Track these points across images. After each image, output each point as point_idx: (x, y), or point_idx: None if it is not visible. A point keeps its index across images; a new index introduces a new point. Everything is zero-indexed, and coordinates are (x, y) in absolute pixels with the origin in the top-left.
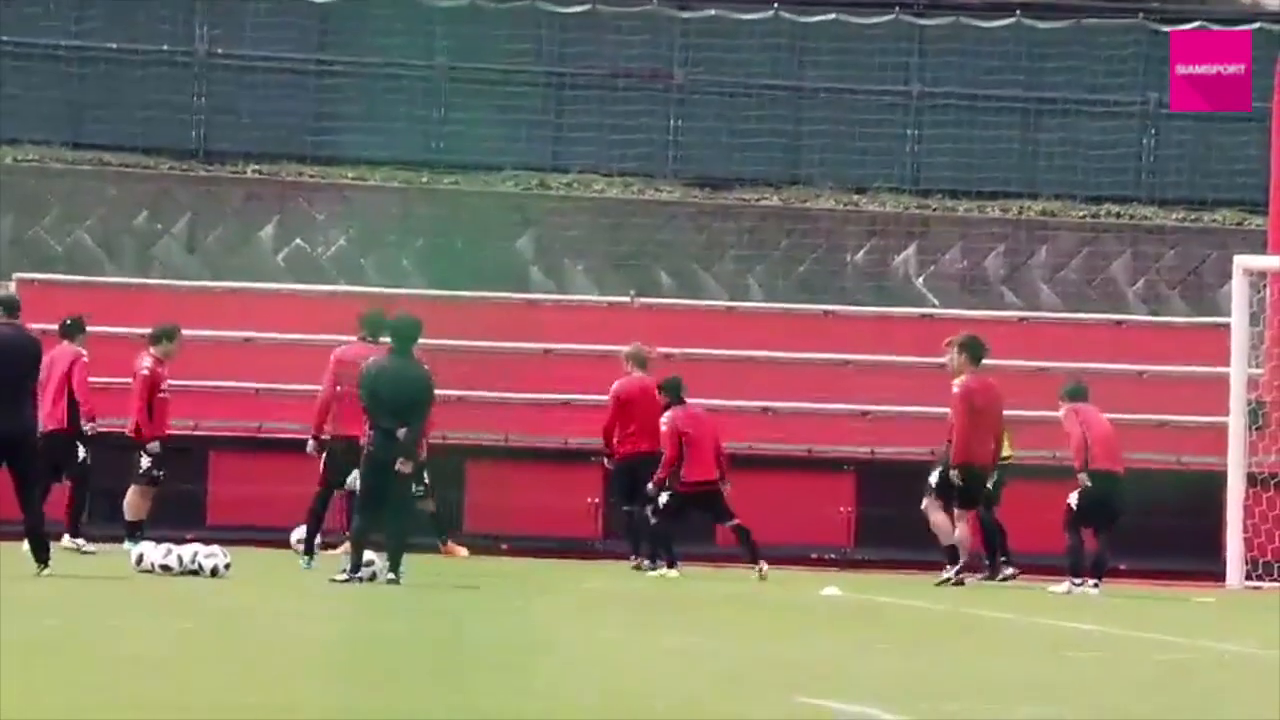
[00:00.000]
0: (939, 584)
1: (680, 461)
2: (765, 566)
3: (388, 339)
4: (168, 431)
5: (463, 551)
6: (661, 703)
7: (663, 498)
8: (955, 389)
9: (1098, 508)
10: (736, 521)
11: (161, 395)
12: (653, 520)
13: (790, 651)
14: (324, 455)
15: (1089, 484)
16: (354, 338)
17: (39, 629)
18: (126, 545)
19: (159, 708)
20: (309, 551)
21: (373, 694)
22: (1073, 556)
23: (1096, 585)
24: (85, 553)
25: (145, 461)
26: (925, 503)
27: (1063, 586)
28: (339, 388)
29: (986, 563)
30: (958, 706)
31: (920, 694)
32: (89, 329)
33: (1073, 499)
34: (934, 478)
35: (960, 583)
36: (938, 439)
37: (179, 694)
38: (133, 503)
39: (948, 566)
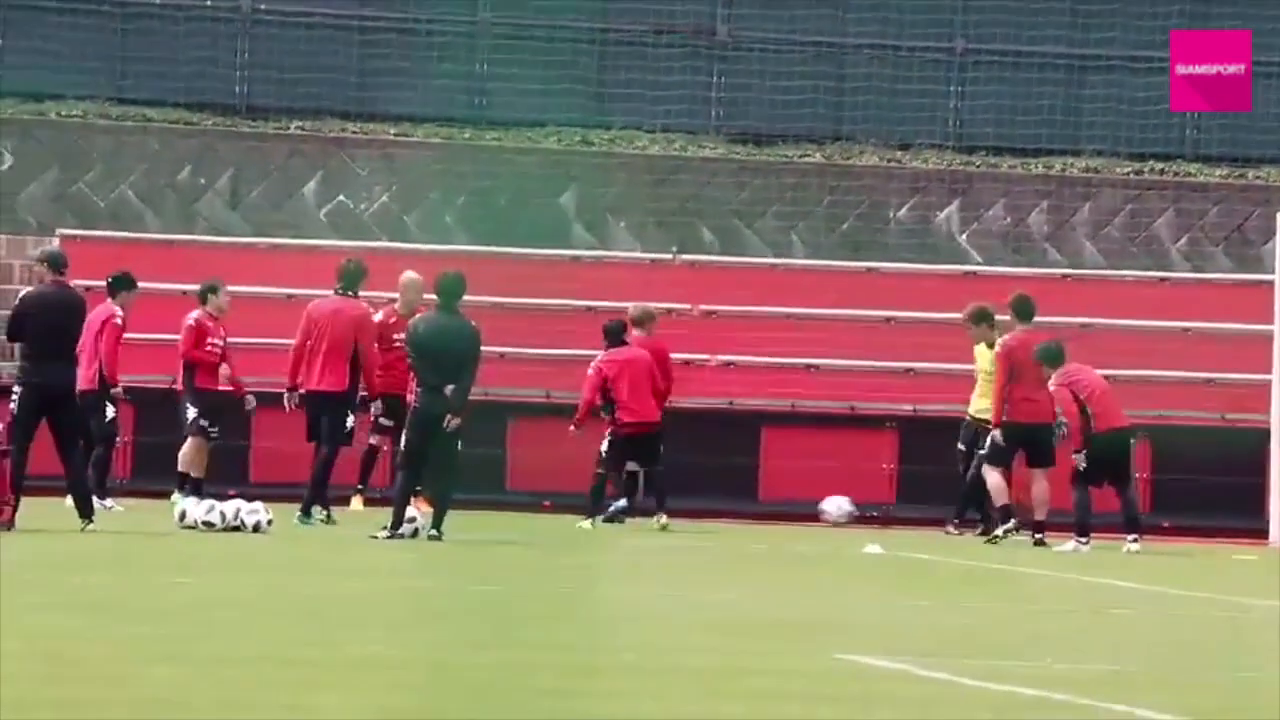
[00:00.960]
0: (990, 540)
1: (614, 405)
2: (665, 518)
3: (360, 291)
4: (219, 386)
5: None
6: (701, 657)
7: (604, 445)
8: (998, 347)
9: (1109, 466)
10: (659, 468)
11: (210, 349)
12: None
13: (831, 608)
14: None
15: (1093, 451)
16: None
17: (87, 584)
18: (175, 497)
19: (212, 661)
20: (307, 511)
21: (417, 647)
22: (1081, 515)
23: (1136, 540)
24: (112, 512)
25: (191, 413)
26: (983, 467)
27: (1069, 545)
28: (309, 342)
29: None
30: (997, 663)
31: (960, 650)
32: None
33: (1080, 459)
34: (1080, 461)
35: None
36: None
37: (229, 646)
38: (187, 454)
39: (997, 524)
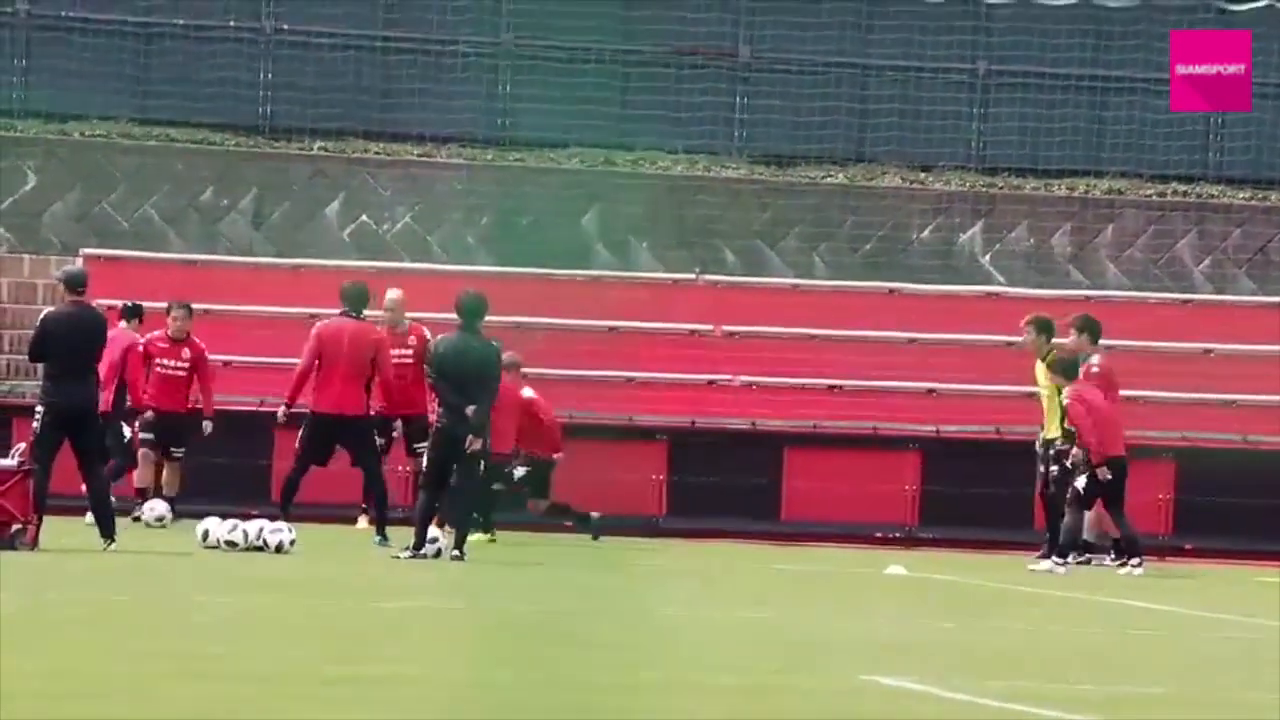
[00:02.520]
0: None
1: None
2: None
3: (372, 312)
4: (170, 406)
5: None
6: (725, 676)
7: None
8: (1092, 370)
9: (1111, 489)
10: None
11: (159, 369)
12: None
13: (854, 629)
14: (303, 428)
15: (1108, 474)
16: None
17: (110, 602)
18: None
19: (235, 678)
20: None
21: (443, 666)
22: (1070, 536)
23: (1140, 564)
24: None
25: (127, 432)
26: (1070, 499)
27: (1045, 565)
28: (316, 362)
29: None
30: (1020, 684)
31: (983, 672)
32: (152, 304)
33: (1080, 482)
34: (1080, 482)
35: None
36: (1003, 417)
37: (253, 664)
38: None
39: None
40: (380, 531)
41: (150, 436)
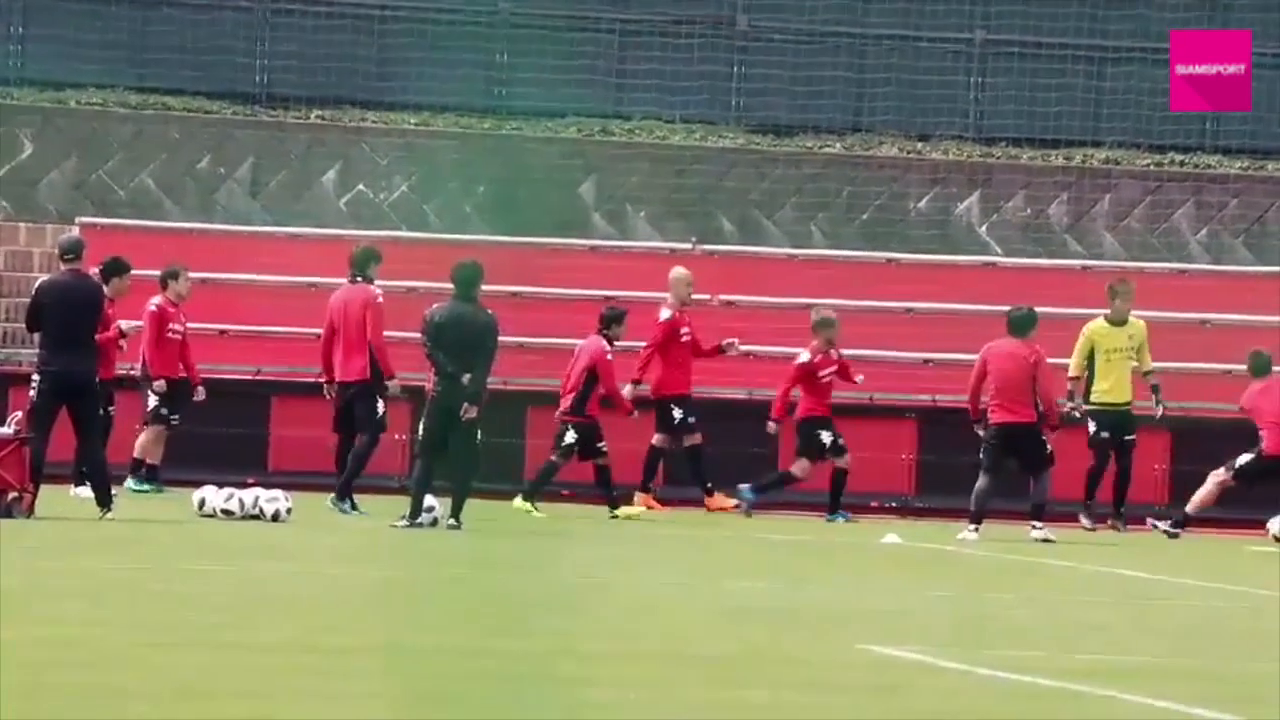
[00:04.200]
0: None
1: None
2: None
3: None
4: (183, 373)
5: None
6: (721, 645)
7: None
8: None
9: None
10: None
11: (171, 335)
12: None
13: (850, 598)
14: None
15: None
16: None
17: (107, 571)
18: (129, 483)
19: (235, 647)
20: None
21: (439, 635)
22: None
23: (1042, 529)
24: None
25: (152, 401)
26: (1221, 475)
27: (968, 532)
28: (330, 333)
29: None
30: (1015, 654)
31: (978, 641)
32: (144, 273)
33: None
34: (1244, 459)
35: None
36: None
37: (252, 633)
38: (145, 442)
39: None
40: (340, 495)
41: (168, 411)
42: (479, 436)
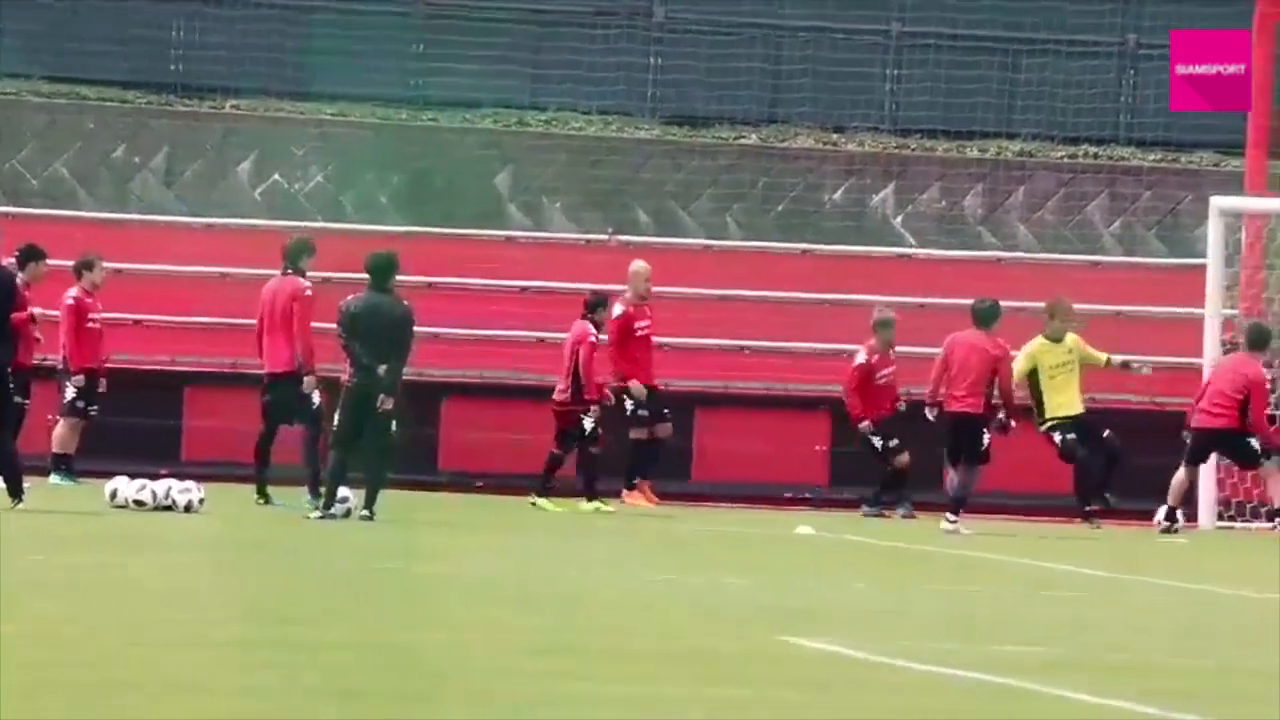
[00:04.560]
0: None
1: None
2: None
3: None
4: (99, 364)
5: (643, 502)
6: (639, 639)
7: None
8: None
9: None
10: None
11: (90, 326)
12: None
13: (764, 589)
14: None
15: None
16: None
17: (19, 563)
18: (53, 479)
19: (160, 644)
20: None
21: (363, 628)
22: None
23: (955, 522)
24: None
25: (70, 393)
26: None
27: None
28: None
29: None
30: (932, 645)
31: (892, 632)
32: (58, 263)
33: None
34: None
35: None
36: (913, 379)
37: (170, 627)
38: (60, 435)
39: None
40: (313, 492)
41: (84, 404)
42: (394, 428)
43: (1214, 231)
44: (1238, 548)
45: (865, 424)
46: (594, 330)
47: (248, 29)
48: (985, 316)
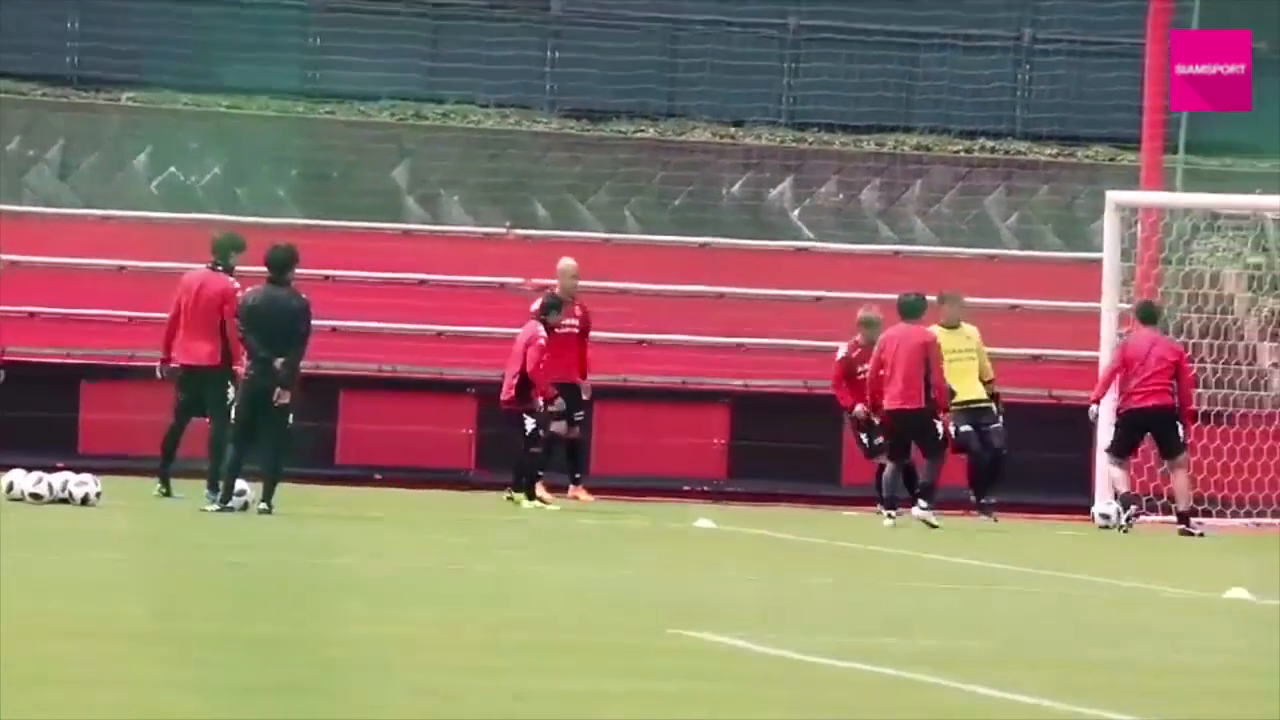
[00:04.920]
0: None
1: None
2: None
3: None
4: None
5: (586, 497)
6: (536, 632)
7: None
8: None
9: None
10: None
11: None
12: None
13: (664, 583)
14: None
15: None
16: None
17: None
18: None
19: (55, 635)
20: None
21: (262, 622)
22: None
23: (924, 508)
24: None
25: None
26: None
27: (885, 519)
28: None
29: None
30: (827, 639)
31: (792, 626)
32: None
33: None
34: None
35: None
36: (811, 372)
37: (69, 619)
38: None
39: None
40: (212, 486)
41: None
42: (291, 420)
43: (1110, 226)
44: (1144, 544)
45: (859, 409)
46: (544, 332)
47: (144, 21)
48: (913, 309)
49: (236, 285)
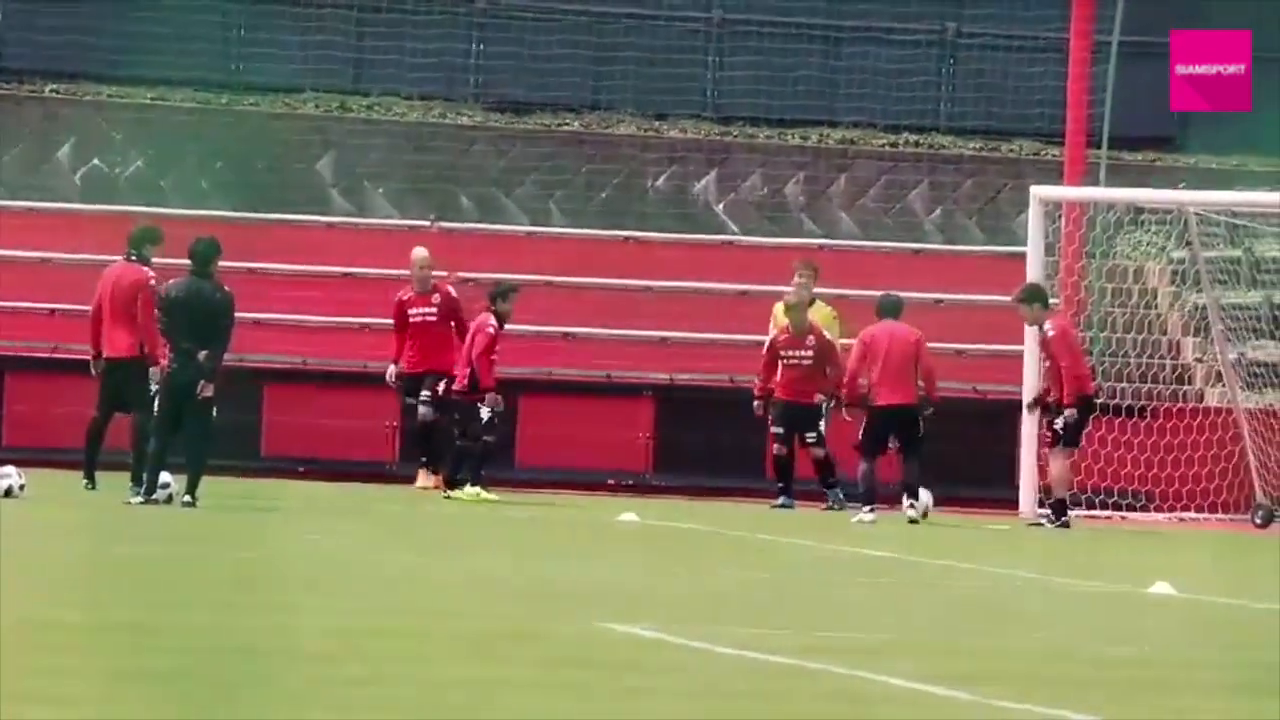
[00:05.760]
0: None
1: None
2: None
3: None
4: None
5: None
6: (462, 622)
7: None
8: (1050, 331)
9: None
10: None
11: None
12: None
13: (587, 576)
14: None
15: (869, 417)
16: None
17: None
18: None
19: None
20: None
21: (177, 612)
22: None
23: (914, 506)
24: None
25: None
26: (1053, 451)
27: (864, 514)
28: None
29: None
30: (752, 631)
31: (715, 618)
32: None
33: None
34: (1060, 423)
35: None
36: (736, 366)
37: None
38: None
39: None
40: (136, 480)
41: None
42: (214, 413)
43: (1034, 220)
44: (1069, 539)
45: (756, 403)
46: (494, 320)
47: (67, 12)
48: (894, 307)
49: (152, 276)
